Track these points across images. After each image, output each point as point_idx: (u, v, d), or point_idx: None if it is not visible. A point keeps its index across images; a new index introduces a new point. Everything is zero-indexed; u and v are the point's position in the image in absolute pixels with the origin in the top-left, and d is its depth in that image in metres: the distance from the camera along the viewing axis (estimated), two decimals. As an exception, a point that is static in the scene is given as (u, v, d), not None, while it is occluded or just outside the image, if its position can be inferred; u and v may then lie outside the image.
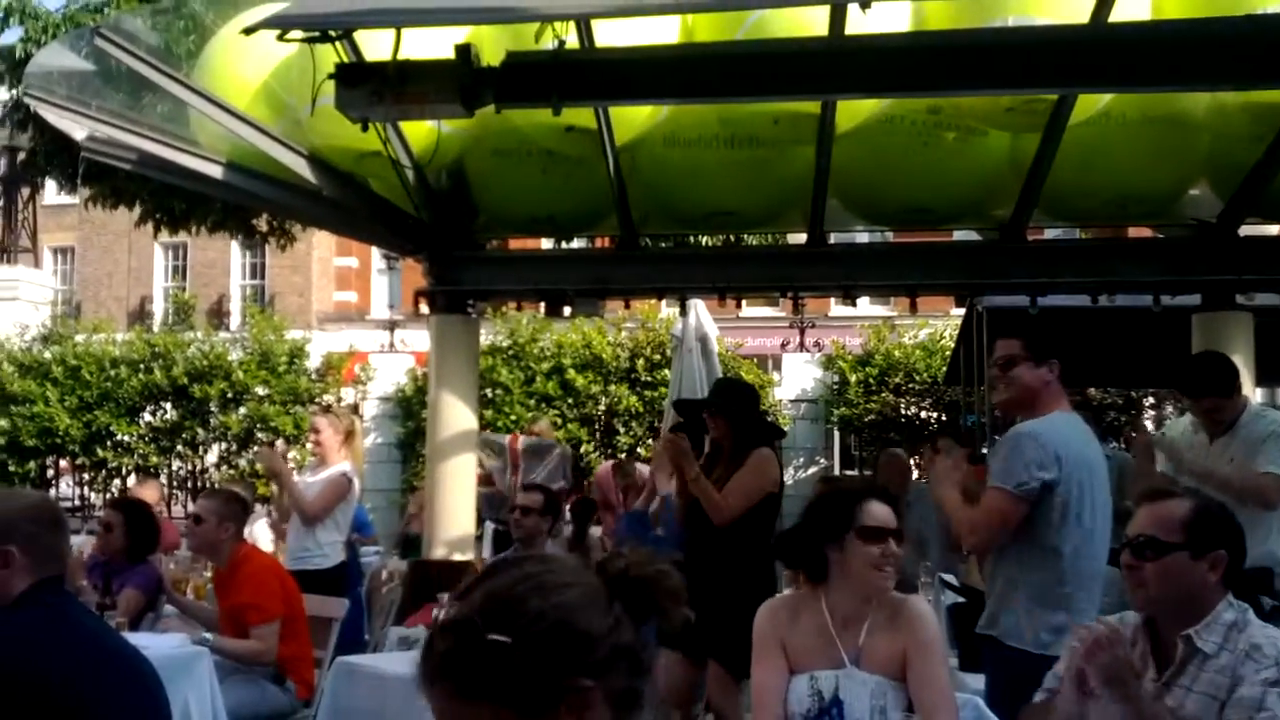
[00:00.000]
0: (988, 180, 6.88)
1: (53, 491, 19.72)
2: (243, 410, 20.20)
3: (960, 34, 5.35)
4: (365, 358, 21.59)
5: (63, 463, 21.31)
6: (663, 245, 8.55)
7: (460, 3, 4.86)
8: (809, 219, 7.12)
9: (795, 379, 20.71)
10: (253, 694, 5.28)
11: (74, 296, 29.49)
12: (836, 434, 20.89)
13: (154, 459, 20.64)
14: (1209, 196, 6.97)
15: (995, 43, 5.00)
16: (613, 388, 18.94)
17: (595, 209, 7.32)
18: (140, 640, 3.95)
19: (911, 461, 8.11)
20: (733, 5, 5.56)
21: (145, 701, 2.74)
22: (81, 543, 7.04)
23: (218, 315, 26.80)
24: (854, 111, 6.19)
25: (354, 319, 25.97)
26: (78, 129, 6.84)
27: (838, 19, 5.01)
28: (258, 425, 20.03)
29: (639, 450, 16.92)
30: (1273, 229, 8.01)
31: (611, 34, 5.45)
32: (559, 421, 18.28)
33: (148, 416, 20.80)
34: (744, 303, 17.65)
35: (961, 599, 6.48)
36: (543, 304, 8.38)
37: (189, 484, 20.69)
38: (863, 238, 10.78)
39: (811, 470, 19.67)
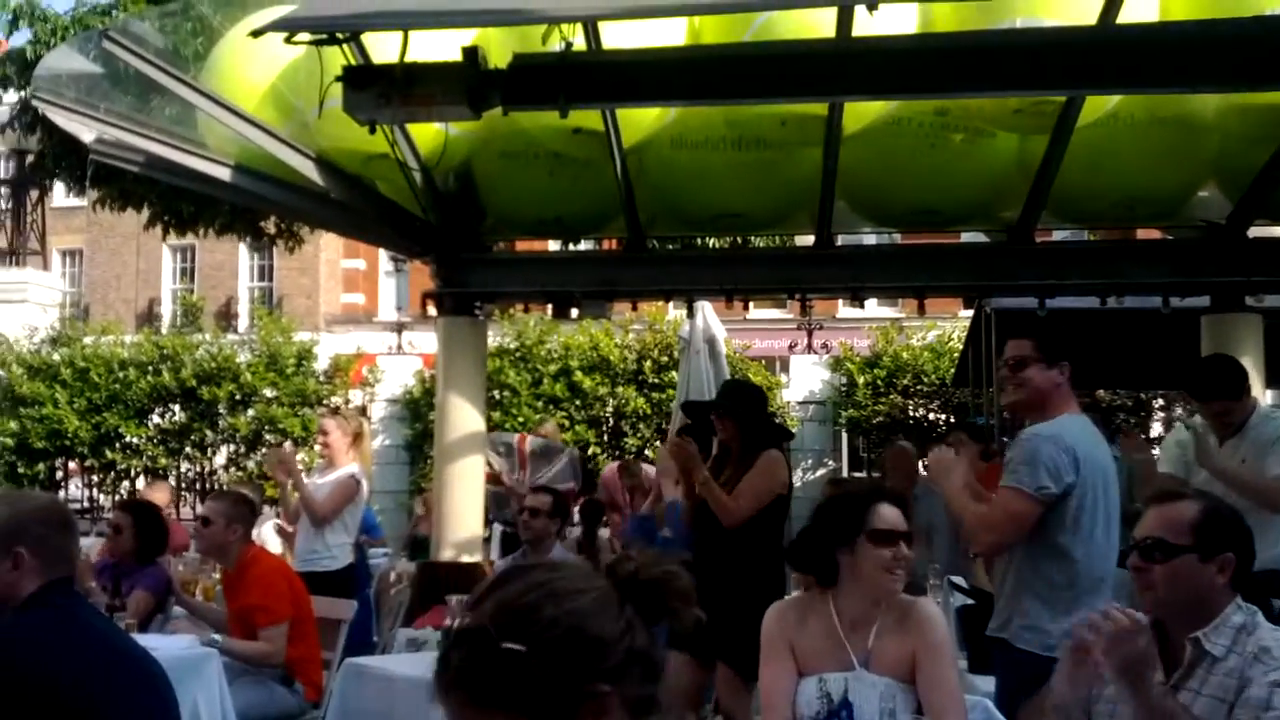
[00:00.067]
0: (996, 182, 6.87)
1: (62, 493, 19.75)
2: (251, 412, 20.23)
3: (968, 35, 5.34)
4: (373, 360, 21.61)
5: (71, 465, 21.35)
6: (670, 247, 8.54)
7: (467, 5, 4.86)
8: (816, 221, 7.11)
9: (803, 381, 20.68)
10: (261, 695, 5.29)
11: (82, 299, 29.56)
12: (845, 436, 20.84)
13: (162, 461, 20.67)
14: (1218, 198, 6.95)
15: (1003, 44, 4.99)
16: (620, 390, 18.93)
17: (602, 211, 7.32)
18: (149, 642, 3.96)
19: (920, 464, 8.08)
20: (740, 7, 5.56)
21: (154, 703, 2.75)
22: (90, 544, 7.05)
23: (226, 317, 26.86)
24: (861, 113, 6.19)
25: (361, 321, 26.01)
26: (86, 131, 6.86)
27: (845, 20, 5.00)
28: (266, 427, 20.06)
29: (647, 452, 16.91)
30: (1282, 230, 8.00)
31: (619, 36, 5.44)
32: (566, 423, 18.27)
33: (156, 418, 20.83)
34: (751, 304, 17.53)
35: (970, 601, 6.46)
36: (550, 306, 8.38)
37: (197, 486, 20.72)
38: (870, 239, 10.77)
39: (820, 472, 19.64)
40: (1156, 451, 6.95)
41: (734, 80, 4.88)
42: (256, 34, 4.46)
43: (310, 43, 4.67)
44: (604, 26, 5.30)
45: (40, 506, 2.85)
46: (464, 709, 1.41)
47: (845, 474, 20.15)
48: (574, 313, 8.21)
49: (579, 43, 4.95)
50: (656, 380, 18.76)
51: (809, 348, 18.93)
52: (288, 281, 27.12)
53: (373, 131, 5.04)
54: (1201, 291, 7.23)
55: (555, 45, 4.85)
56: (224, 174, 6.74)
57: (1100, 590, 3.77)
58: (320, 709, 5.35)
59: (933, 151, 6.55)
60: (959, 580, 6.83)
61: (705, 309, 10.05)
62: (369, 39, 5.05)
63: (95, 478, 21.22)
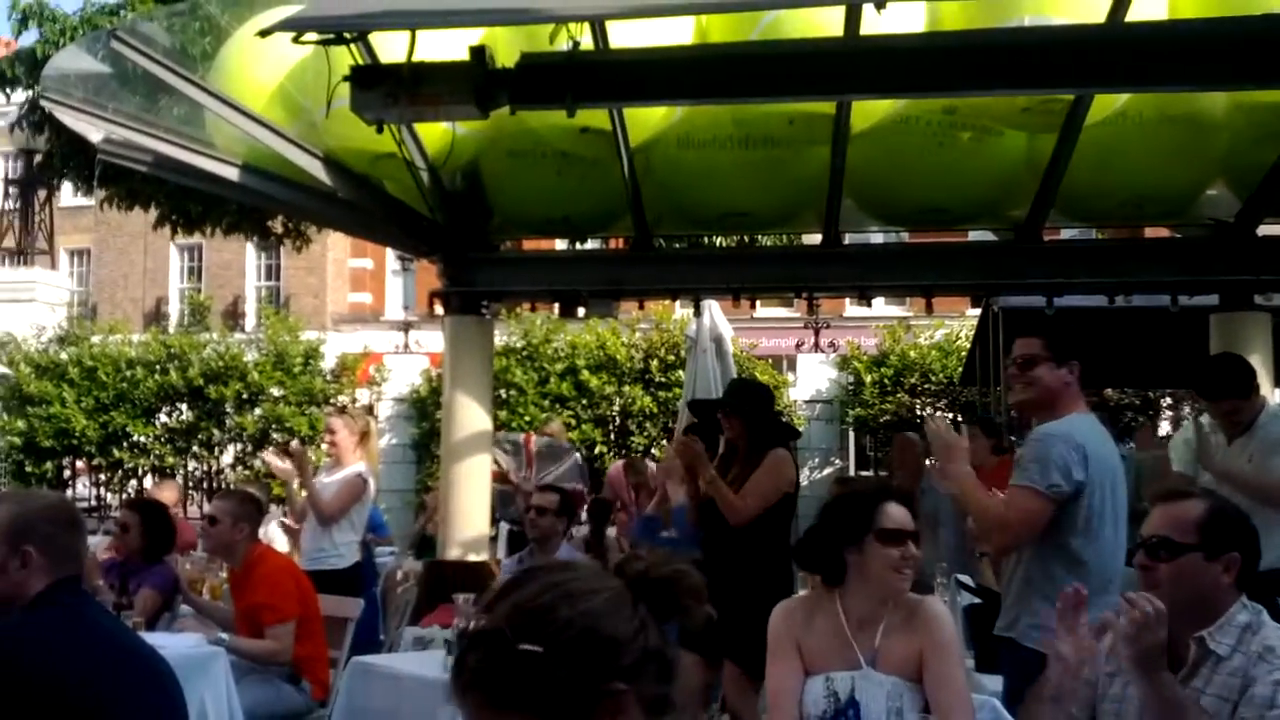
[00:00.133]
0: (1004, 180, 6.85)
1: (69, 492, 19.80)
2: (258, 411, 20.25)
3: (976, 34, 5.33)
4: (380, 359, 21.63)
5: (79, 463, 21.38)
6: (677, 246, 8.54)
7: (475, 4, 4.86)
8: (824, 219, 7.10)
9: (810, 380, 20.66)
10: (268, 694, 5.30)
11: (90, 298, 29.62)
12: (852, 435, 20.82)
13: (170, 460, 20.70)
14: (1226, 196, 6.94)
15: (1011, 43, 4.98)
16: (627, 389, 18.92)
17: (610, 210, 7.32)
18: (157, 640, 3.96)
19: (928, 462, 8.06)
20: (747, 6, 5.55)
21: (162, 701, 2.75)
22: (97, 543, 7.06)
23: (233, 316, 26.89)
24: (869, 112, 6.18)
25: (369, 320, 26.02)
26: (94, 131, 6.87)
27: (853, 19, 4.99)
28: (273, 426, 20.08)
29: (653, 451, 16.90)
30: (1291, 229, 7.97)
31: (626, 35, 5.44)
32: (573, 422, 18.27)
33: (163, 417, 20.86)
34: (758, 303, 17.63)
35: (977, 600, 6.45)
36: (557, 305, 8.38)
37: (204, 485, 20.75)
38: (878, 238, 10.75)
39: (827, 471, 19.61)
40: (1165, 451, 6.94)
41: (741, 79, 4.87)
42: (264, 34, 4.46)
43: (318, 42, 4.68)
44: (611, 26, 5.30)
45: (48, 505, 2.85)
46: (481, 711, 1.42)
47: (852, 473, 20.15)
48: (580, 312, 8.22)
49: (586, 42, 4.95)
50: (663, 379, 18.75)
51: (816, 346, 18.90)
52: (295, 281, 27.15)
53: (380, 131, 5.05)
54: (1210, 290, 7.22)
55: (563, 44, 4.85)
56: (232, 174, 6.75)
57: (1109, 589, 3.76)
58: (327, 707, 5.36)
59: (941, 150, 6.54)
60: (966, 579, 6.82)
61: (712, 308, 10.05)
62: (376, 39, 5.05)
63: (103, 476, 21.25)
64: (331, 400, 19.84)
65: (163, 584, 5.74)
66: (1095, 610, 3.65)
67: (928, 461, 7.83)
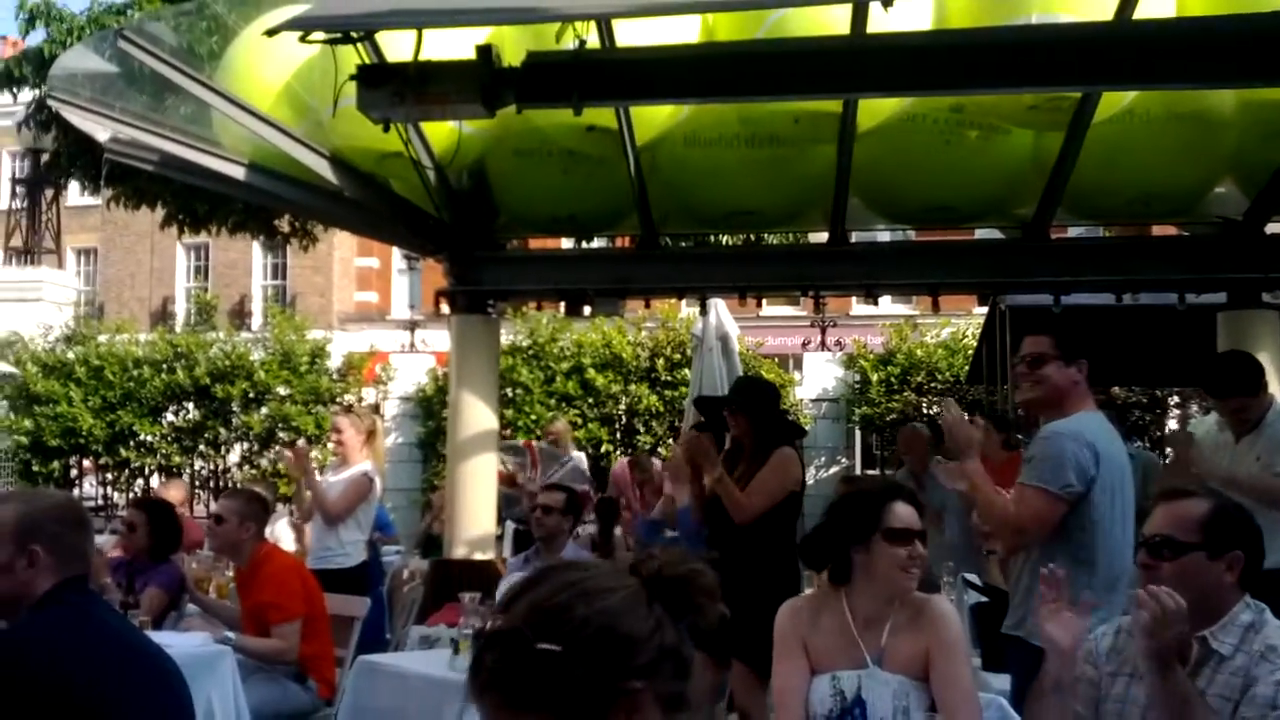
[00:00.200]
0: (1011, 178, 6.84)
1: (76, 491, 19.84)
2: (264, 410, 20.28)
3: (983, 32, 5.32)
4: (386, 358, 21.66)
5: (86, 462, 21.44)
6: (683, 245, 8.53)
7: (481, 3, 4.86)
8: (830, 218, 7.09)
9: (816, 378, 20.66)
10: (275, 693, 5.30)
11: (97, 297, 29.67)
12: (858, 433, 20.82)
13: (176, 459, 20.75)
14: (1235, 194, 6.92)
15: (1018, 40, 4.97)
16: (633, 387, 18.93)
17: (616, 208, 7.31)
18: (163, 639, 3.97)
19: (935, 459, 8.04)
20: (754, 4, 5.54)
21: (169, 700, 2.75)
22: (105, 542, 7.07)
23: (239, 315, 26.93)
24: (876, 110, 6.17)
25: (375, 319, 26.04)
26: (101, 130, 6.87)
27: (859, 17, 4.98)
28: (279, 425, 20.11)
29: (660, 450, 16.91)
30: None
31: (632, 34, 5.44)
32: (579, 421, 18.29)
33: (170, 416, 20.91)
34: (765, 302, 17.53)
35: (984, 598, 6.45)
36: (563, 304, 8.38)
37: (211, 483, 20.79)
38: (884, 236, 10.75)
39: (833, 470, 19.63)
40: (1169, 450, 6.92)
41: (748, 77, 4.86)
42: (271, 33, 4.46)
43: (325, 41, 4.68)
44: (617, 24, 5.30)
45: (55, 504, 2.85)
46: (499, 711, 1.42)
47: (858, 471, 20.14)
48: (587, 310, 8.22)
49: (593, 41, 4.94)
50: (669, 378, 18.76)
51: (822, 345, 18.90)
52: (301, 280, 27.17)
53: (387, 130, 5.05)
54: (1218, 288, 7.20)
55: (569, 43, 4.85)
56: (238, 173, 6.76)
57: (1117, 587, 3.76)
58: (333, 706, 5.36)
59: (948, 148, 6.53)
60: (973, 578, 6.81)
61: (718, 306, 10.04)
62: (383, 38, 5.05)
63: (109, 475, 21.30)
64: (338, 399, 19.87)
65: (169, 583, 5.75)
66: (1103, 609, 3.66)
67: (936, 459, 7.81)
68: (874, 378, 19.37)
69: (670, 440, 15.98)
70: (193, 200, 10.30)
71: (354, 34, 4.62)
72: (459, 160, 6.60)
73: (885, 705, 3.19)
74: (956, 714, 3.16)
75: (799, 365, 21.19)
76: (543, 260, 8.61)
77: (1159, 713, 2.69)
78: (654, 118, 6.33)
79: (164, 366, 20.55)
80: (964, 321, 18.30)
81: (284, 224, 11.99)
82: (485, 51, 4.47)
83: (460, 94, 4.51)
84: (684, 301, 17.62)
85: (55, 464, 20.83)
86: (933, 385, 18.91)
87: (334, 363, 21.14)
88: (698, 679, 1.46)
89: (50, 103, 7.37)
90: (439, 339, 18.84)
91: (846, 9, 5.05)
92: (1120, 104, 6.04)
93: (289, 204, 8.50)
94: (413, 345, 21.97)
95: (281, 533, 8.45)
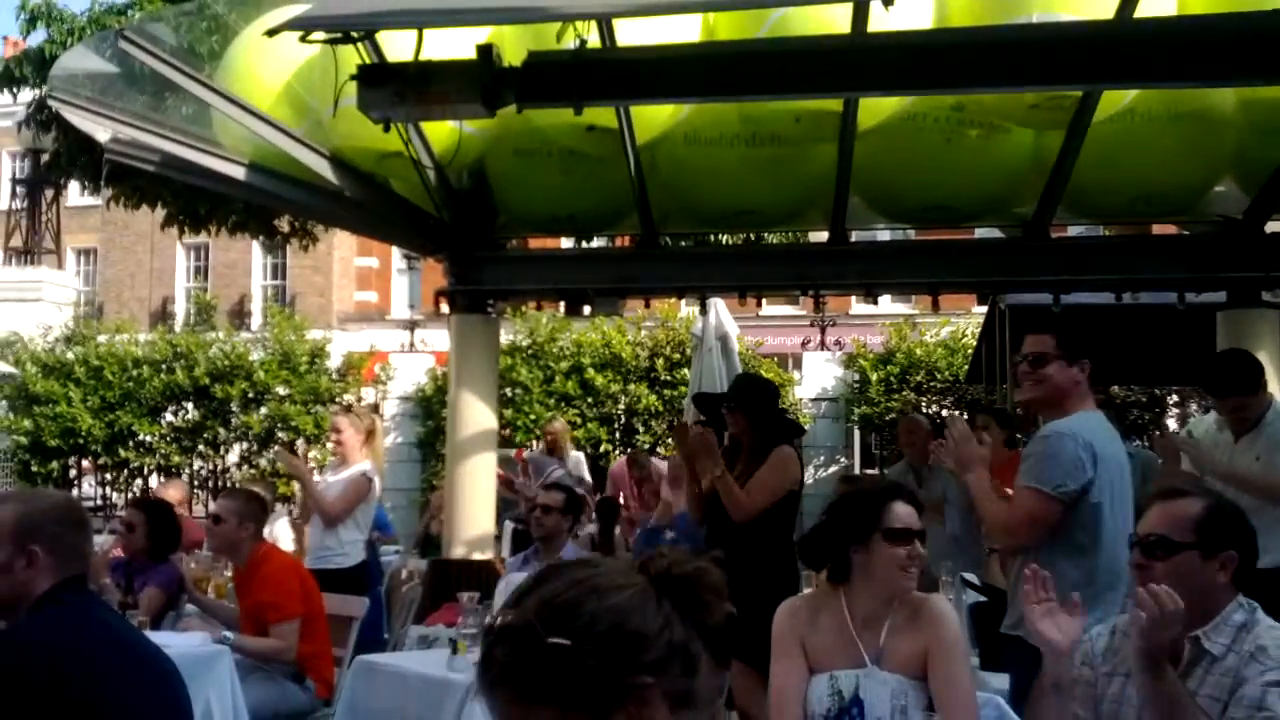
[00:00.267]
0: (1011, 177, 6.83)
1: (75, 491, 19.86)
2: (264, 410, 20.29)
3: (984, 30, 5.31)
4: (385, 357, 21.67)
5: (85, 463, 21.45)
6: (683, 244, 8.53)
7: (481, 3, 4.86)
8: (830, 217, 7.09)
9: (816, 377, 20.67)
10: (273, 692, 5.30)
11: (96, 297, 29.67)
12: (857, 433, 20.83)
13: (176, 459, 20.75)
14: (1235, 193, 6.91)
15: (1019, 39, 4.96)
16: (632, 387, 18.94)
17: (616, 208, 7.31)
18: (162, 639, 3.97)
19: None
20: (755, 3, 5.54)
21: (168, 699, 2.75)
22: (103, 542, 7.07)
23: (239, 315, 26.92)
24: (876, 109, 6.16)
25: (374, 319, 26.04)
26: (101, 131, 6.86)
27: (860, 16, 4.98)
28: (279, 425, 20.12)
29: (659, 449, 16.90)
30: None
31: (633, 33, 5.43)
32: (578, 420, 18.29)
33: (169, 416, 20.92)
34: (764, 301, 17.53)
35: (983, 598, 6.44)
36: (563, 303, 8.38)
37: (210, 483, 20.79)
38: (884, 235, 10.75)
39: (832, 469, 19.63)
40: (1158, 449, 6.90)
41: (748, 77, 4.86)
42: (271, 33, 4.46)
43: (325, 41, 4.67)
44: (618, 24, 5.29)
45: (55, 504, 2.85)
46: (511, 705, 1.44)
47: (857, 471, 20.14)
48: (586, 310, 8.23)
49: (593, 40, 4.94)
50: (669, 377, 18.76)
51: (822, 344, 18.87)
52: (301, 279, 27.16)
53: (387, 130, 5.04)
54: (1218, 287, 7.19)
55: (569, 43, 4.84)
56: (239, 173, 6.75)
57: (1117, 587, 3.75)
58: (331, 706, 5.36)
59: (948, 147, 6.52)
60: (972, 578, 6.81)
61: (718, 306, 10.05)
62: (383, 37, 5.05)
63: (108, 475, 21.30)
64: (337, 399, 19.88)
65: (168, 583, 5.75)
66: (1101, 608, 3.67)
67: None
68: (873, 377, 19.37)
69: (670, 440, 15.95)
70: (193, 200, 10.29)
71: (354, 34, 4.61)
72: (459, 160, 6.59)
73: (883, 705, 3.19)
74: (954, 713, 3.16)
75: (798, 365, 21.19)
76: (543, 260, 8.60)
77: (1149, 713, 2.68)
78: (654, 117, 6.33)
79: (163, 367, 20.55)
80: (964, 321, 18.30)
81: (284, 224, 11.98)
82: (485, 51, 4.47)
83: (460, 94, 4.51)
84: (684, 301, 17.63)
85: (54, 464, 20.83)
86: (932, 384, 18.91)
87: (333, 362, 21.15)
88: (705, 676, 1.47)
89: (50, 103, 7.37)
90: (438, 339, 18.86)
91: (847, 8, 5.04)
92: (1121, 103, 6.04)
93: (289, 204, 8.49)
94: (412, 345, 21.98)
95: (280, 532, 8.45)
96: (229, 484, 19.60)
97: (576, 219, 7.58)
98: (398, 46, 4.91)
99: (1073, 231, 9.00)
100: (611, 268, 8.02)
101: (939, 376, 18.80)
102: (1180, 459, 5.53)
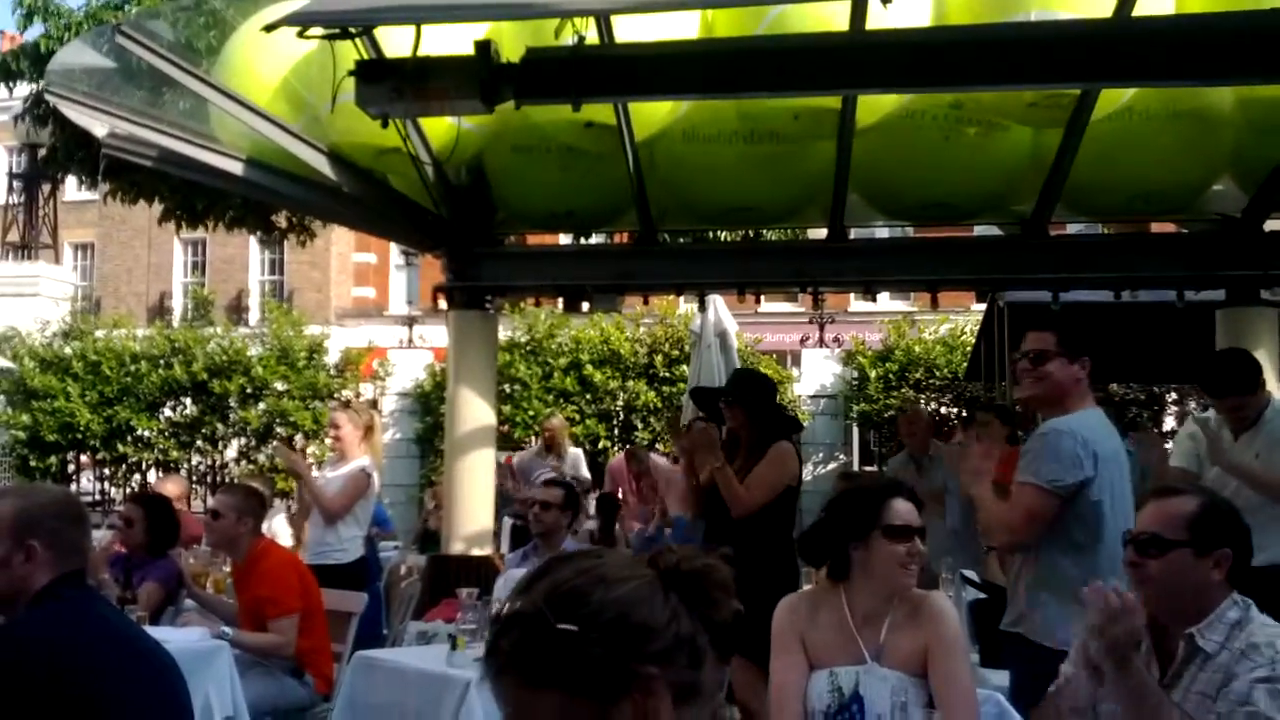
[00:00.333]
0: (1009, 175, 6.84)
1: (74, 486, 19.82)
2: (262, 405, 20.26)
3: (982, 28, 5.31)
4: (384, 353, 21.63)
5: (83, 458, 21.41)
6: (682, 240, 8.54)
7: (480, -2, 4.86)
8: (829, 214, 7.09)
9: (814, 374, 20.64)
10: (272, 688, 5.31)
11: (94, 292, 29.66)
12: (856, 430, 20.82)
13: (174, 454, 20.72)
14: (1233, 191, 6.92)
15: (1018, 37, 4.96)
16: (631, 383, 18.92)
17: (614, 204, 7.31)
18: (161, 634, 3.98)
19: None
20: (753, 0, 5.54)
21: (167, 695, 2.75)
22: (102, 537, 7.07)
23: (237, 311, 26.92)
24: (875, 106, 6.16)
25: (373, 315, 26.05)
26: (98, 126, 6.85)
27: (859, 14, 4.97)
28: (277, 420, 20.09)
29: (658, 446, 16.90)
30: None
31: (631, 29, 5.43)
32: (577, 417, 18.28)
33: (168, 412, 20.89)
34: (763, 298, 17.61)
35: (983, 595, 6.45)
36: (561, 299, 8.38)
37: (209, 479, 20.77)
38: (883, 233, 10.74)
39: (831, 466, 19.61)
40: (1169, 445, 6.92)
41: (747, 74, 4.86)
42: (269, 28, 4.46)
43: (323, 37, 4.67)
44: (616, 20, 5.29)
45: (53, 500, 2.85)
46: (518, 690, 1.45)
47: (856, 468, 20.14)
48: (585, 306, 8.21)
49: (592, 36, 4.94)
50: (667, 374, 18.75)
51: (820, 341, 18.92)
52: (298, 275, 27.16)
53: (385, 125, 5.04)
54: (1216, 285, 7.20)
55: (568, 39, 4.84)
56: (236, 168, 6.74)
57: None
58: (330, 701, 5.36)
59: (946, 145, 6.53)
60: (971, 574, 6.81)
61: (717, 302, 10.05)
62: (382, 33, 5.04)
63: (107, 471, 21.28)
64: (335, 395, 19.86)
65: (166, 578, 5.75)
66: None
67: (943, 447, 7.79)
68: (872, 374, 19.35)
69: (669, 437, 15.94)
70: (190, 196, 10.28)
71: (352, 29, 4.61)
72: (457, 156, 6.59)
73: (883, 701, 3.19)
74: (954, 710, 3.16)
75: (797, 362, 21.18)
76: (541, 256, 8.61)
77: (1121, 708, 2.69)
78: (653, 114, 6.33)
79: (161, 362, 20.52)
80: (962, 318, 18.29)
81: (281, 219, 11.98)
82: (484, 47, 4.46)
83: (459, 89, 4.50)
84: (682, 298, 17.62)
85: (53, 459, 20.80)
86: (931, 382, 18.89)
87: (332, 358, 21.11)
88: (710, 670, 1.49)
89: (48, 97, 7.36)
90: (437, 335, 18.84)
91: (845, 6, 5.04)
92: (1119, 101, 6.04)
93: (287, 199, 8.48)
94: (410, 341, 21.96)
95: (278, 528, 8.45)
96: (227, 479, 19.58)
97: (575, 215, 7.58)
98: (396, 42, 4.90)
99: (1071, 229, 9.00)
100: (610, 264, 8.03)
101: (938, 374, 18.78)
102: (1167, 457, 5.53)
